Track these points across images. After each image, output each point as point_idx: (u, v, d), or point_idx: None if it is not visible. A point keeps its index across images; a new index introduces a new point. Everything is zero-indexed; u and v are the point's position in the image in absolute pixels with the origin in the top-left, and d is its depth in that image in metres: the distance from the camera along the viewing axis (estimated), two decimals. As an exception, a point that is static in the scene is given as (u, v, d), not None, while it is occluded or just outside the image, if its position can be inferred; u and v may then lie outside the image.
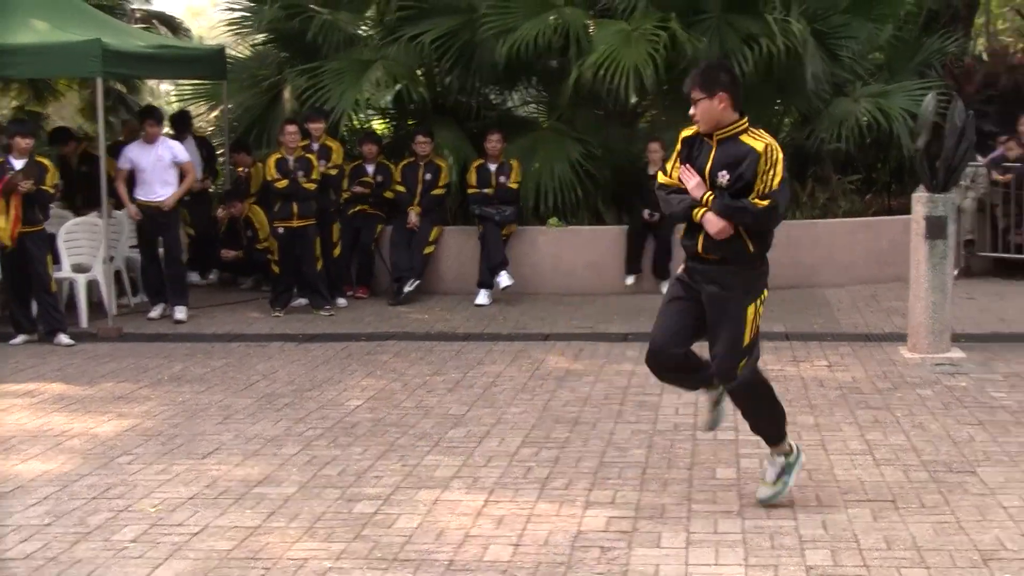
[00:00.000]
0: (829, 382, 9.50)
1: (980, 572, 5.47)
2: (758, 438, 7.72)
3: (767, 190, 6.07)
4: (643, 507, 6.52)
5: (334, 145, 14.00)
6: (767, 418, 6.52)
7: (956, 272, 14.20)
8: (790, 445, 6.57)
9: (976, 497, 6.56)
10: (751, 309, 6.20)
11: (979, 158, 15.12)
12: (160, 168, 13.08)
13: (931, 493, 6.62)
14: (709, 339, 6.35)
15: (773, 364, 10.13)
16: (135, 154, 13.16)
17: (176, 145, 13.52)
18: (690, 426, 8.19)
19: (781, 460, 6.52)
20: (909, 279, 10.48)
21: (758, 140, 6.14)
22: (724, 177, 6.14)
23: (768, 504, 6.45)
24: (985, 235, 15.35)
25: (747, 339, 6.21)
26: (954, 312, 10.84)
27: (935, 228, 10.13)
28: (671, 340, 6.38)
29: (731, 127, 6.20)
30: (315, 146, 13.73)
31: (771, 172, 6.08)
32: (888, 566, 5.55)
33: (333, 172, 13.82)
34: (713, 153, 6.23)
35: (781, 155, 6.15)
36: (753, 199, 6.07)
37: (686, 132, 6.41)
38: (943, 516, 6.25)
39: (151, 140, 13.18)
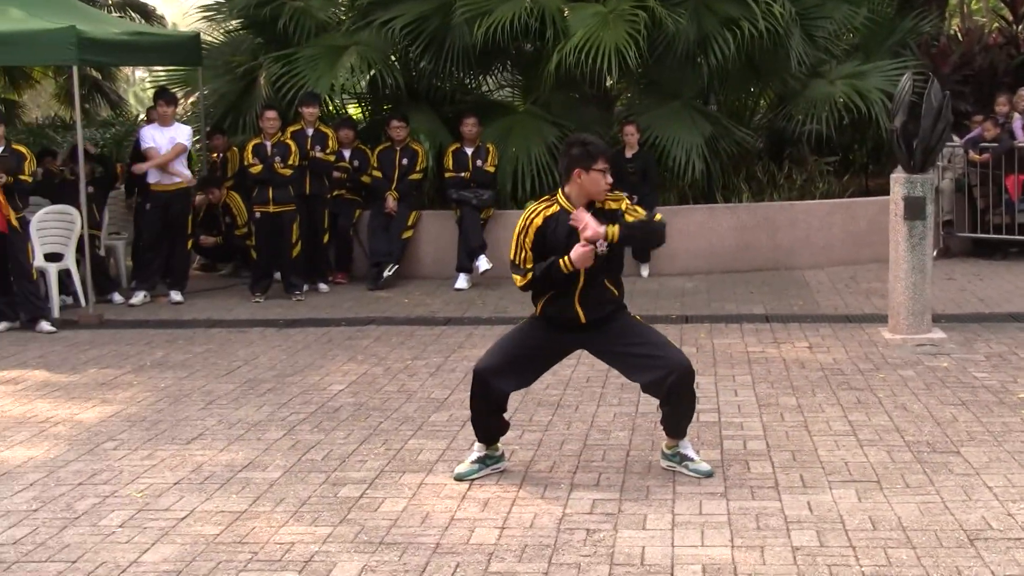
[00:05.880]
0: (811, 364, 9.52)
1: (966, 551, 5.48)
2: (741, 420, 7.79)
3: None
4: (628, 489, 6.53)
5: (329, 131, 13.96)
6: None
7: (935, 253, 14.29)
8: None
9: (960, 477, 6.58)
10: None
11: (955, 138, 15.17)
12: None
13: (915, 473, 6.64)
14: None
15: (754, 346, 10.17)
16: (151, 136, 13.30)
17: (184, 128, 13.63)
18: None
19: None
20: (888, 260, 10.50)
21: None
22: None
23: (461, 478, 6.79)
24: (964, 215, 15.38)
25: None
26: (934, 293, 10.85)
27: (913, 208, 10.15)
28: None
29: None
30: (309, 131, 13.69)
31: None
32: (875, 546, 5.57)
33: (331, 158, 13.81)
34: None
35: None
36: None
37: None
38: (928, 496, 6.27)
39: (166, 122, 13.29)
